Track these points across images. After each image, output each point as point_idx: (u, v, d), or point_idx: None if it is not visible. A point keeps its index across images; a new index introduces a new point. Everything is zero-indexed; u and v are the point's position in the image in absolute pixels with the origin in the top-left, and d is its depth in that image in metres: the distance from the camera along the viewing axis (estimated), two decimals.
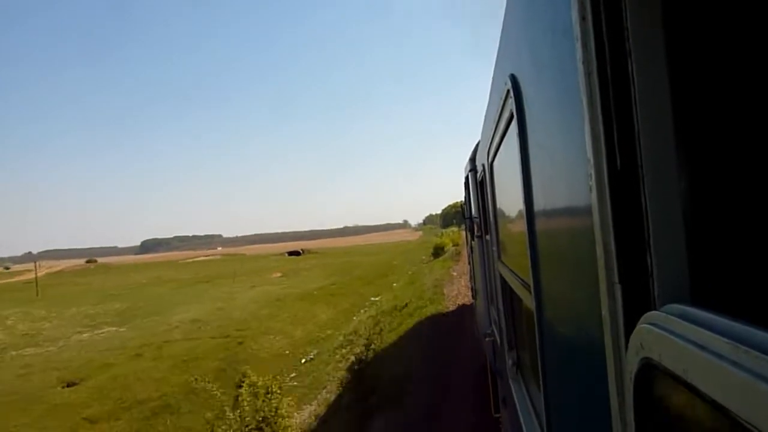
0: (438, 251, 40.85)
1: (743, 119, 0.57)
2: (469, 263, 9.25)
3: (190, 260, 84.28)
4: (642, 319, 0.53)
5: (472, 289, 9.21)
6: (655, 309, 0.55)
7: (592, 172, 0.67)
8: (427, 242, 55.74)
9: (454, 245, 43.77)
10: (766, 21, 0.53)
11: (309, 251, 70.72)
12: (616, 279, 0.63)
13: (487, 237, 3.87)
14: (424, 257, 40.24)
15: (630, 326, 0.58)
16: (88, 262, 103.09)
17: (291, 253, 68.47)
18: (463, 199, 7.19)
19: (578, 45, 0.68)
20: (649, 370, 0.51)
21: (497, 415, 4.32)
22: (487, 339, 4.55)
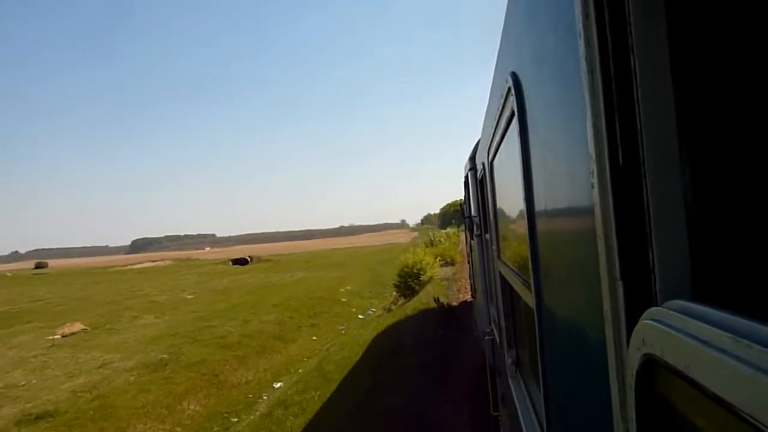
0: (409, 284, 17.33)
1: (746, 116, 0.57)
2: (469, 262, 9.25)
3: (132, 267, 65.63)
4: (644, 315, 0.53)
5: (471, 287, 9.22)
6: (657, 305, 0.55)
7: (594, 168, 0.67)
8: (419, 245, 34.76)
9: (444, 263, 23.54)
10: None
11: (259, 259, 53.96)
12: (617, 275, 0.63)
13: (487, 236, 3.88)
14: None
15: (632, 322, 0.58)
16: (36, 266, 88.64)
17: (236, 262, 52.52)
18: (462, 198, 7.19)
19: (581, 41, 0.68)
20: (651, 366, 0.51)
21: (496, 414, 4.33)
22: (486, 338, 4.56)
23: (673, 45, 0.56)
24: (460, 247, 33.63)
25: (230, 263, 52.02)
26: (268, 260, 52.94)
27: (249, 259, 53.32)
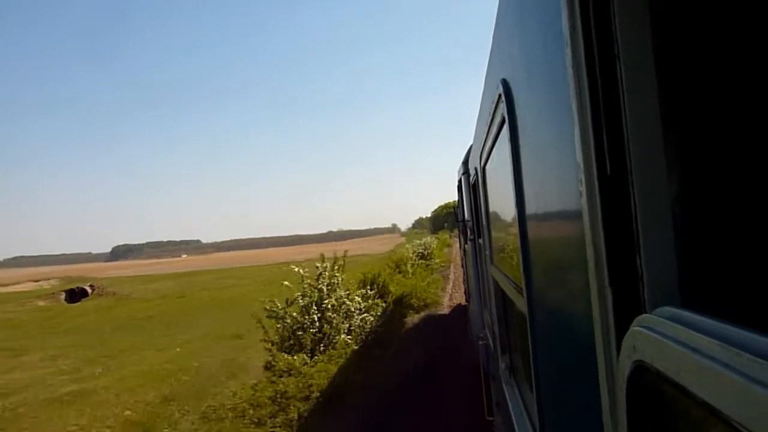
0: None
1: (731, 124, 0.57)
2: (463, 266, 9.27)
3: None
4: (634, 322, 0.53)
5: (466, 291, 9.24)
6: (646, 312, 0.55)
7: (582, 176, 0.67)
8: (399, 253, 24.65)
9: None
10: (754, 27, 0.54)
11: (102, 292, 35.52)
12: (606, 282, 0.63)
13: (480, 240, 3.89)
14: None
15: (621, 329, 0.58)
16: None
17: (70, 295, 35.67)
18: (455, 201, 7.22)
19: (568, 50, 0.69)
20: (641, 373, 0.51)
21: (490, 419, 4.32)
22: (480, 342, 4.55)
23: (658, 53, 0.57)
24: (453, 281, 18.02)
25: (63, 297, 35.83)
26: (113, 294, 34.50)
27: (89, 289, 36.90)
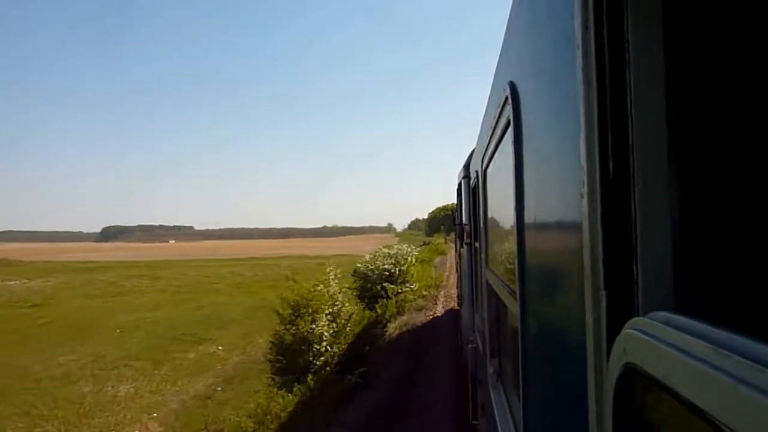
0: None
1: (736, 137, 0.58)
2: (457, 271, 9.29)
3: None
4: (627, 324, 0.53)
5: (458, 296, 9.26)
6: (639, 316, 0.56)
7: (585, 179, 0.68)
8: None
9: None
10: (764, 42, 0.54)
11: None
12: (601, 285, 0.63)
13: (476, 244, 3.90)
14: None
15: (613, 332, 0.58)
16: None
17: None
18: (454, 204, 7.23)
19: (579, 53, 0.69)
20: (630, 376, 0.51)
21: (475, 423, 4.33)
22: (469, 345, 4.56)
23: (669, 60, 0.57)
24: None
25: None
26: None
27: None
